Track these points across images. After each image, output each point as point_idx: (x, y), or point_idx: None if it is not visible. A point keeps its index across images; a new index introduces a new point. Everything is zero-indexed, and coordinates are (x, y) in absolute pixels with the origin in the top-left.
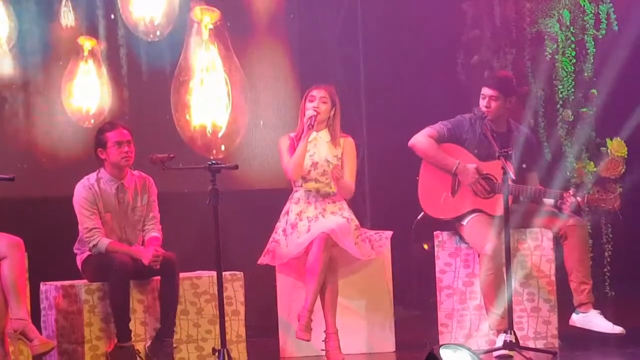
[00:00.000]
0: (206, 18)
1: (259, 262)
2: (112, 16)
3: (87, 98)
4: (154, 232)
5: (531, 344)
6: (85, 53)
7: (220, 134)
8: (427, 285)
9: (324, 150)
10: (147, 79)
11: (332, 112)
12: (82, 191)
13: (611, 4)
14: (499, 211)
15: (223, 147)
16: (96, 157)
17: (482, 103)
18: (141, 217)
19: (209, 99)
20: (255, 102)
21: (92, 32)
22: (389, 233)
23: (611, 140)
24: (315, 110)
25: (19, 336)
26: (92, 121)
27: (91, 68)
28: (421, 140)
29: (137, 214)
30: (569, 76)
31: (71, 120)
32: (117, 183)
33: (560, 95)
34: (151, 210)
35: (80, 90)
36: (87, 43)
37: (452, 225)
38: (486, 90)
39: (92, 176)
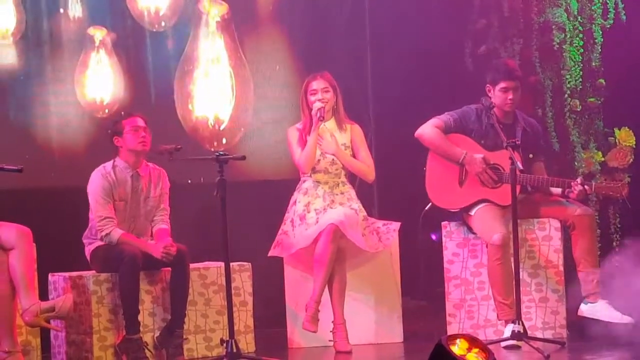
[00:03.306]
0: (214, 10)
1: (269, 254)
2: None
3: (101, 88)
4: (163, 224)
5: (539, 334)
6: (97, 43)
7: (222, 127)
8: (434, 276)
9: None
10: (157, 69)
11: (335, 98)
12: (98, 179)
13: None
14: (507, 201)
15: (224, 140)
16: (112, 145)
17: (505, 96)
18: (153, 208)
19: (212, 91)
20: (261, 94)
21: (100, 23)
22: (397, 224)
23: (619, 129)
24: (322, 103)
25: (43, 316)
26: (107, 111)
27: (103, 58)
28: (428, 130)
29: (149, 204)
30: (576, 66)
31: (80, 111)
32: (133, 171)
33: (568, 85)
34: (162, 202)
35: (93, 80)
36: (97, 33)
37: (460, 216)
38: (509, 83)
39: (109, 164)
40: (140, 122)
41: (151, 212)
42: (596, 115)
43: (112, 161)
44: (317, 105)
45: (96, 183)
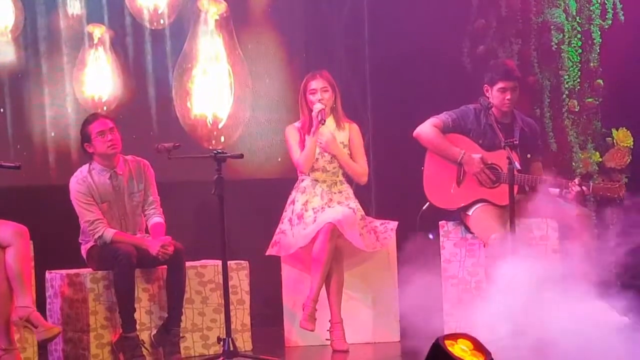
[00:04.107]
0: (213, 8)
1: (267, 253)
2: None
3: (99, 86)
4: (157, 217)
5: None
6: (95, 41)
7: (220, 125)
8: (432, 275)
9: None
10: (155, 67)
11: (334, 96)
12: (75, 185)
13: None
14: (505, 201)
15: (223, 139)
16: (85, 152)
17: (503, 97)
18: (139, 203)
19: (211, 89)
20: (259, 92)
21: (99, 20)
22: (394, 224)
23: (617, 130)
24: (322, 103)
25: (25, 323)
26: (105, 108)
27: (101, 56)
28: (426, 130)
29: (134, 199)
30: (574, 66)
31: (78, 108)
32: (110, 171)
33: (566, 86)
34: (150, 194)
35: (91, 78)
36: (96, 31)
37: (458, 215)
38: (507, 83)
39: (85, 168)
40: (105, 125)
41: (139, 207)
42: (594, 115)
43: (88, 165)
44: (318, 107)
45: (73, 189)
